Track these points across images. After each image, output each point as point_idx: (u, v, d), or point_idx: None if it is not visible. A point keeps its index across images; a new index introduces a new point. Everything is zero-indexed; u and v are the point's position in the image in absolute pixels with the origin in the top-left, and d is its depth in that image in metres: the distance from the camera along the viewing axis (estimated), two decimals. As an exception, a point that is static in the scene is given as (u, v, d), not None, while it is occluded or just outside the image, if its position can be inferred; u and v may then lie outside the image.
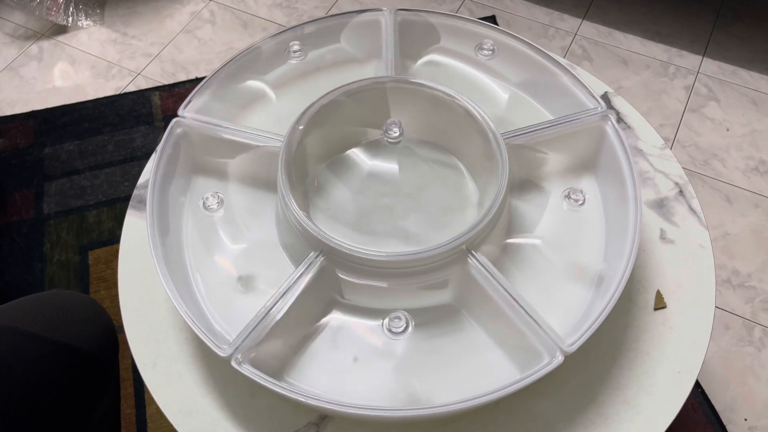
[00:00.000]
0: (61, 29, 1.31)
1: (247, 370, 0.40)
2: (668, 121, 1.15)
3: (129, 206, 0.57)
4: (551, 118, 0.53)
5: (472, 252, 0.45)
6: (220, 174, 0.54)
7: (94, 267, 0.97)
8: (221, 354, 0.40)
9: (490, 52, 0.61)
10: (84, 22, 1.31)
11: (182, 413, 0.46)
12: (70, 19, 1.29)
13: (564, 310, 0.46)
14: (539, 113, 0.58)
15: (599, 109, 0.52)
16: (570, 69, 0.56)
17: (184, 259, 0.50)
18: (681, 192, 0.57)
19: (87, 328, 0.52)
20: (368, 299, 0.47)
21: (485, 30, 0.60)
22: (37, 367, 0.46)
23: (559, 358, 0.41)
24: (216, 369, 0.48)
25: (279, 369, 0.44)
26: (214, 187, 0.54)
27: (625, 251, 0.46)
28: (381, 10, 0.60)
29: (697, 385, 0.84)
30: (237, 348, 0.41)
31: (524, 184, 0.54)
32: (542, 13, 1.33)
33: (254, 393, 0.47)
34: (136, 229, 0.55)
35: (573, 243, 0.51)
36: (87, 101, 1.18)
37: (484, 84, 0.61)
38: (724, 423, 0.82)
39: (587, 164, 0.55)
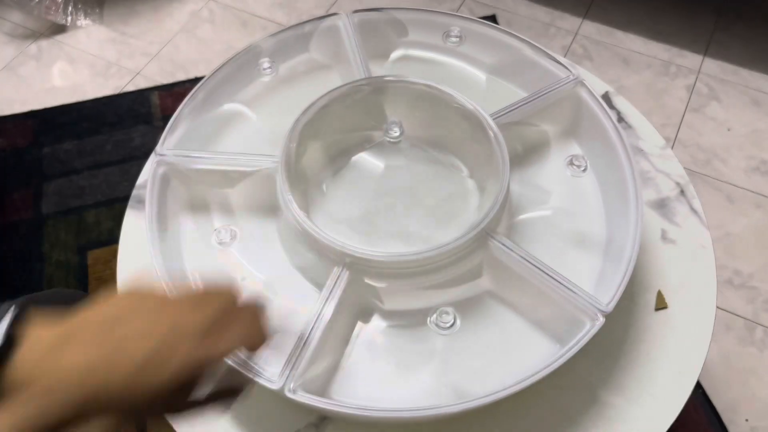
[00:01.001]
0: (60, 28, 1.30)
1: (303, 396, 0.39)
2: (669, 121, 1.14)
3: (128, 206, 0.57)
4: (528, 94, 0.54)
5: (492, 235, 0.45)
6: (228, 205, 0.53)
7: (93, 267, 0.96)
8: (273, 387, 0.39)
9: (458, 39, 0.61)
10: (83, 21, 1.31)
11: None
12: (69, 18, 1.29)
13: (581, 278, 0.46)
14: (518, 90, 0.59)
15: (571, 77, 0.54)
16: (534, 43, 0.57)
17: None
18: (682, 192, 0.57)
19: None
20: (401, 301, 0.47)
21: (449, 19, 0.61)
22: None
23: (601, 320, 0.41)
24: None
25: (328, 383, 0.44)
26: (226, 220, 0.52)
27: (630, 213, 0.47)
28: (337, 14, 0.59)
29: (699, 386, 0.84)
30: (287, 378, 0.40)
31: (524, 159, 0.55)
32: (543, 13, 1.33)
33: (254, 393, 0.46)
34: (135, 229, 0.55)
35: (580, 210, 0.52)
36: (86, 101, 1.17)
37: (461, 71, 0.61)
38: (726, 423, 0.81)
39: (579, 130, 0.56)
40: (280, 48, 0.60)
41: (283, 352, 0.41)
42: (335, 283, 0.43)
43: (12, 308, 0.33)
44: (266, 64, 0.60)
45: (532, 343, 0.45)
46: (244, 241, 0.51)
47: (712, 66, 1.23)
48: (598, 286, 0.46)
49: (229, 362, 0.40)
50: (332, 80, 0.61)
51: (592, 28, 1.30)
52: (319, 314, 0.42)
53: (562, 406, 0.46)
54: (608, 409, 0.46)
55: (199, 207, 0.52)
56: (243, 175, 0.50)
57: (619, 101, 0.63)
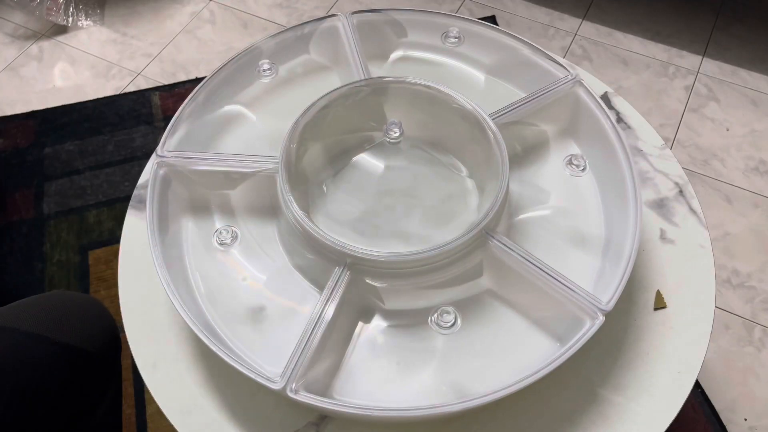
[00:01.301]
0: (61, 29, 1.31)
1: (305, 396, 0.39)
2: (668, 121, 1.15)
3: (129, 206, 0.57)
4: (527, 94, 0.55)
5: (491, 234, 0.45)
6: (229, 206, 0.53)
7: (94, 267, 0.97)
8: (275, 387, 0.39)
9: (457, 39, 0.61)
10: (84, 22, 1.31)
11: (182, 413, 0.46)
12: (70, 19, 1.29)
13: (580, 277, 0.46)
14: (517, 91, 0.59)
15: (569, 77, 0.54)
16: (533, 43, 0.58)
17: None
18: (681, 192, 0.57)
19: (89, 329, 0.52)
20: (401, 300, 0.47)
21: (448, 19, 0.61)
22: (38, 367, 0.46)
23: (601, 318, 0.41)
24: (216, 369, 0.48)
25: (329, 383, 0.44)
26: (227, 221, 0.52)
27: (629, 212, 0.47)
28: (336, 15, 0.60)
29: (697, 385, 0.84)
30: (289, 378, 0.40)
31: (523, 159, 0.55)
32: (542, 13, 1.33)
33: (254, 393, 0.47)
34: (136, 229, 0.55)
35: (580, 209, 0.52)
36: (87, 101, 1.18)
37: (460, 71, 0.62)
38: (724, 423, 0.82)
39: (578, 130, 0.56)
40: (280, 49, 0.61)
41: (284, 352, 0.41)
42: (336, 283, 0.44)
43: None
44: (266, 66, 0.60)
45: (533, 342, 0.46)
46: (245, 242, 0.51)
47: (711, 66, 1.23)
48: (598, 285, 0.47)
49: (231, 362, 0.40)
50: (332, 81, 0.61)
51: (591, 29, 1.30)
52: (321, 314, 0.42)
53: (561, 404, 0.46)
54: (607, 408, 0.46)
55: (199, 208, 0.53)
56: (243, 176, 0.51)
57: (618, 101, 0.63)
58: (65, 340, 0.49)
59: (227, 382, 0.47)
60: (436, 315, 0.46)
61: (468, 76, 0.61)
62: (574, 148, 0.56)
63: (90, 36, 1.30)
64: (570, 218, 0.52)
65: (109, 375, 0.53)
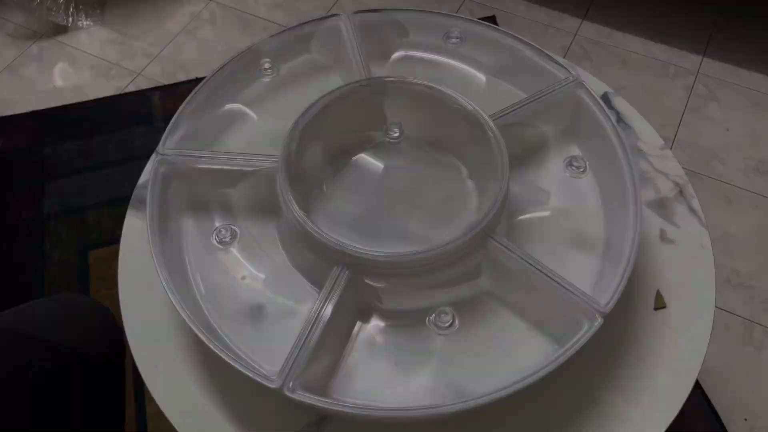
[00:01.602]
0: (62, 29, 1.31)
1: (302, 396, 0.39)
2: (668, 122, 1.15)
3: (129, 206, 0.57)
4: (528, 95, 0.55)
5: (491, 235, 0.45)
6: (229, 205, 0.53)
7: (94, 267, 0.97)
8: (272, 386, 0.39)
9: (458, 40, 0.61)
10: (84, 22, 1.31)
11: (182, 413, 0.46)
12: (71, 19, 1.29)
13: (580, 278, 0.46)
14: (518, 91, 0.59)
15: (570, 78, 0.54)
16: (533, 44, 0.58)
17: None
18: (681, 192, 0.57)
19: (93, 334, 0.52)
20: (400, 300, 0.47)
21: (449, 20, 0.61)
22: (41, 371, 0.47)
23: (599, 321, 0.41)
24: (216, 369, 0.48)
25: (327, 383, 0.44)
26: (226, 220, 0.52)
27: (629, 213, 0.47)
28: (338, 15, 0.60)
29: (697, 385, 0.84)
30: (286, 377, 0.40)
31: (524, 160, 0.55)
32: (542, 13, 1.33)
33: (254, 393, 0.46)
34: (136, 229, 0.55)
35: (580, 211, 0.52)
36: (87, 101, 1.18)
37: (461, 72, 0.61)
38: (724, 423, 0.82)
39: (578, 131, 0.56)
40: (281, 49, 0.61)
41: (282, 351, 0.41)
42: (335, 282, 0.44)
43: None
44: (267, 65, 0.60)
45: (531, 343, 0.46)
46: (245, 241, 0.51)
47: (711, 66, 1.23)
48: (597, 286, 0.47)
49: (229, 361, 0.40)
50: (333, 81, 0.61)
51: (591, 29, 1.30)
52: (319, 314, 0.42)
53: (560, 405, 0.46)
54: (607, 409, 0.46)
55: (199, 206, 0.53)
56: (243, 175, 0.51)
57: (618, 102, 0.63)
58: (69, 344, 0.49)
59: (227, 382, 0.47)
60: (434, 315, 0.46)
61: (469, 76, 0.61)
62: (575, 150, 0.56)
63: (90, 36, 1.30)
64: (570, 220, 0.52)
65: (112, 381, 0.53)
